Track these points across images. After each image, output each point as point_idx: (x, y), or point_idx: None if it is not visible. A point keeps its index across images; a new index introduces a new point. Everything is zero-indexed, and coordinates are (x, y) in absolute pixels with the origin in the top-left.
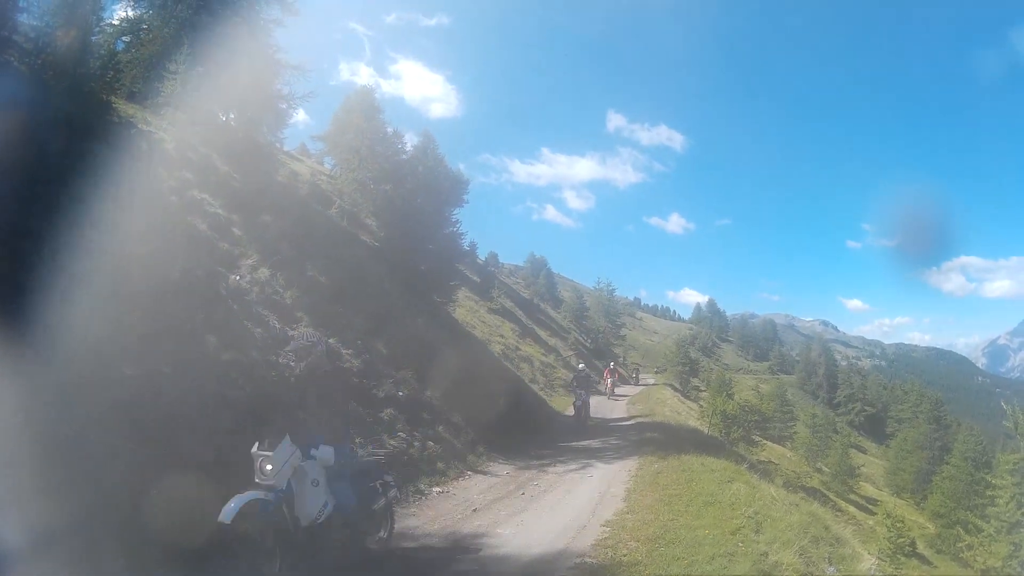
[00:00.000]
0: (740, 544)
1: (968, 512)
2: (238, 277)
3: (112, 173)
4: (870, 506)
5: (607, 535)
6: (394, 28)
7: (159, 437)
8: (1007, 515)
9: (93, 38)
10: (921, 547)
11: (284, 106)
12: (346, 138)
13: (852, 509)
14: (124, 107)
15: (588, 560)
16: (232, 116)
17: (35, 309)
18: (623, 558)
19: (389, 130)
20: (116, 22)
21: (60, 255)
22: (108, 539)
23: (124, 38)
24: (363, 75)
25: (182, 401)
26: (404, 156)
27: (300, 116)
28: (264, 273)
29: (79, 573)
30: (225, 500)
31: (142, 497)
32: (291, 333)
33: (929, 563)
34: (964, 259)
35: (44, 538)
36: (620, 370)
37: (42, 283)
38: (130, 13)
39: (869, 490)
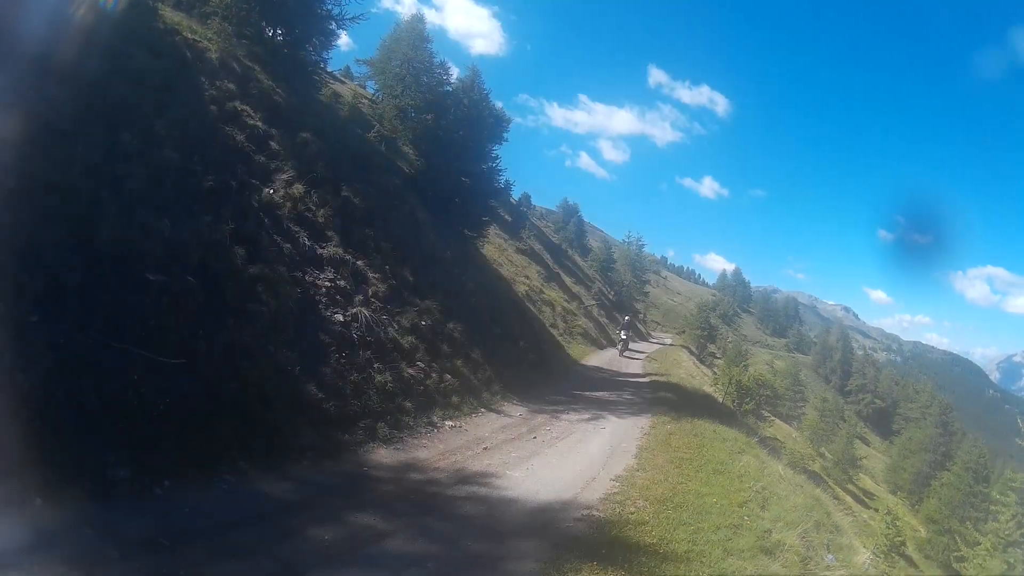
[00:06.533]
0: (746, 518)
1: (962, 524)
2: (271, 191)
3: (153, 78)
4: (866, 499)
5: (616, 490)
6: None
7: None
8: (1006, 532)
9: None
10: (910, 549)
11: (332, 26)
12: (392, 65)
13: (849, 499)
14: (170, 15)
15: (596, 513)
16: (280, 32)
17: (66, 208)
18: (630, 516)
19: (436, 60)
20: None
21: (92, 156)
22: None
23: None
24: (405, 3)
25: (202, 311)
26: (448, 88)
27: (344, 39)
28: (298, 189)
29: None
30: None
31: None
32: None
33: (915, 566)
34: (991, 269)
35: None
36: (639, 325)
37: (74, 184)
38: None
39: (867, 483)
